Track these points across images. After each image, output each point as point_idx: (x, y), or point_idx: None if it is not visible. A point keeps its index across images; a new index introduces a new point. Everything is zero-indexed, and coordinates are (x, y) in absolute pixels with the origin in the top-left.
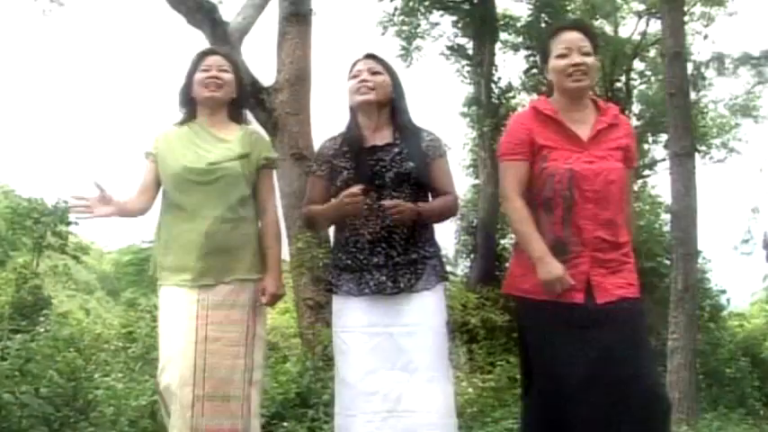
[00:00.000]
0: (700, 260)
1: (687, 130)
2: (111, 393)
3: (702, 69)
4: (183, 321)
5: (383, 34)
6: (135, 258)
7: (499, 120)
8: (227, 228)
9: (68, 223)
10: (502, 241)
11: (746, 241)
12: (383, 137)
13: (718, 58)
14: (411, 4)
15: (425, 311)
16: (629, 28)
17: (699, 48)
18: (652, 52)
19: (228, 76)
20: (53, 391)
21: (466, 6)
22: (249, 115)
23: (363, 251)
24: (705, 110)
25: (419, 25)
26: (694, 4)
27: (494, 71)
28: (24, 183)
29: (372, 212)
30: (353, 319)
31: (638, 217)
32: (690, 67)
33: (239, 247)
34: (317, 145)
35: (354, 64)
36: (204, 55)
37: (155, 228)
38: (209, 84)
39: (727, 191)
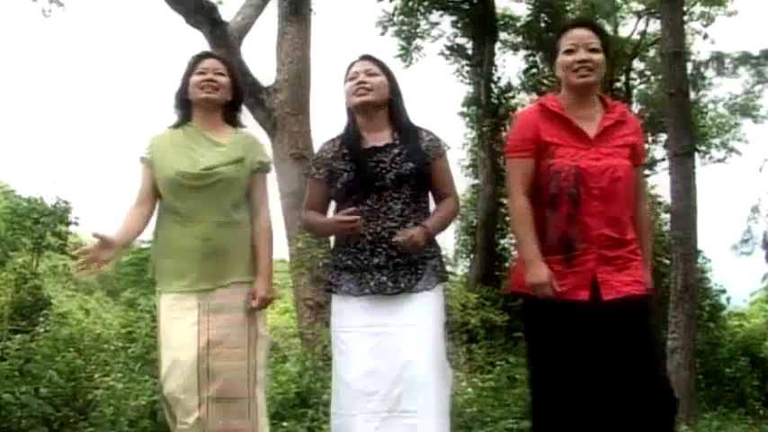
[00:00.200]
0: (699, 260)
1: (687, 130)
2: (111, 393)
3: (702, 69)
4: (184, 328)
5: (382, 34)
6: (134, 258)
7: (499, 120)
8: (222, 232)
9: (68, 223)
10: (501, 241)
11: (746, 241)
12: (382, 138)
13: (718, 58)
14: (410, 3)
15: (425, 311)
16: (629, 28)
17: (698, 47)
18: (652, 52)
19: (224, 80)
20: (53, 391)
21: (465, 6)
22: (244, 117)
23: (364, 252)
24: (705, 110)
25: (418, 25)
26: (694, 4)
27: (493, 71)
28: (24, 183)
29: (373, 213)
30: (353, 319)
31: (653, 212)
32: (689, 66)
33: (235, 251)
34: (316, 145)
35: (351, 66)
36: (200, 58)
37: (152, 230)
38: (204, 86)
39: (726, 191)
